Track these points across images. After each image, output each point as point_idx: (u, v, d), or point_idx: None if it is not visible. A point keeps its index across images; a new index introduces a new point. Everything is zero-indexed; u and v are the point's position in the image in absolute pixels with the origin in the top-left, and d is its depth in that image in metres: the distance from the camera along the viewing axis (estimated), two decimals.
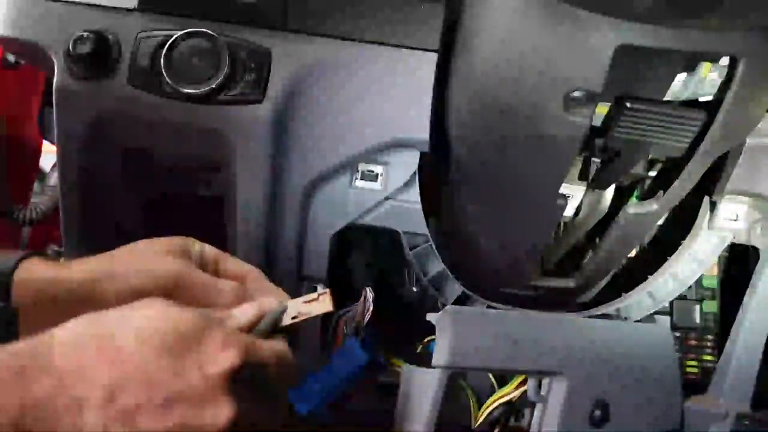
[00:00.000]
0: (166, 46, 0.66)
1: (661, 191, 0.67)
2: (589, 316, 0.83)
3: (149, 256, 0.55)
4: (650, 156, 0.67)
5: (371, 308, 0.71)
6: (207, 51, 0.66)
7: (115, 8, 0.68)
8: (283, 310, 0.54)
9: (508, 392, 0.75)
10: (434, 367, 0.67)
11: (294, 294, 0.67)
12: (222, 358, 0.43)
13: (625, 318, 0.86)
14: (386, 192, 0.77)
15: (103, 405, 0.40)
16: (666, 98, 0.60)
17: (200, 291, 0.54)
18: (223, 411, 0.43)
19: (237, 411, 0.43)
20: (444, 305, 0.81)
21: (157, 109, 0.68)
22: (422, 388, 0.69)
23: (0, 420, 0.38)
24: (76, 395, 0.40)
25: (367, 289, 0.74)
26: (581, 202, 0.81)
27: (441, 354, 0.66)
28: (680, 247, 0.83)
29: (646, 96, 0.59)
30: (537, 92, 0.57)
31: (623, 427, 0.73)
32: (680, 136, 0.60)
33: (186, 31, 0.66)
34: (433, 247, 0.80)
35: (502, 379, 0.76)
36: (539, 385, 0.72)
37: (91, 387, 0.40)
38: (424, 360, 0.70)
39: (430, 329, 0.71)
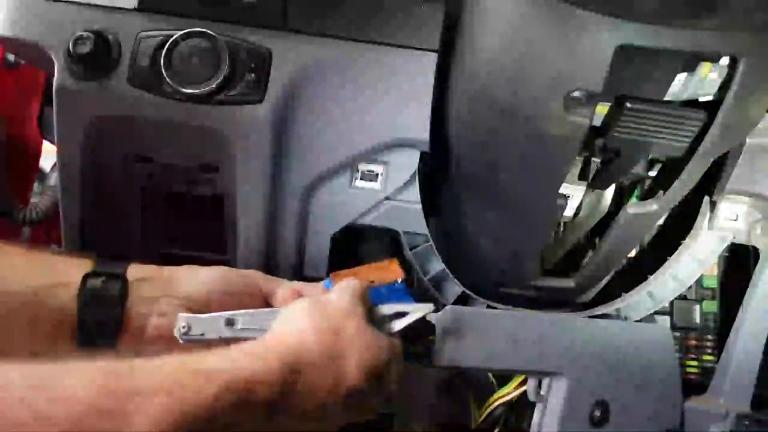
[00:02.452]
0: (166, 46, 0.66)
1: (661, 191, 0.67)
2: (589, 316, 0.83)
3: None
4: (650, 156, 0.67)
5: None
6: (207, 51, 0.66)
7: (115, 8, 0.68)
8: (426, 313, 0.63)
9: (508, 392, 0.75)
10: (434, 367, 0.67)
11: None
12: (398, 380, 0.57)
13: (625, 318, 0.86)
14: (386, 192, 0.77)
15: (323, 403, 0.51)
16: (666, 98, 0.60)
17: (268, 286, 0.64)
18: (380, 405, 0.57)
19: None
20: (444, 305, 0.80)
21: (157, 109, 0.68)
22: (422, 388, 0.69)
23: (255, 422, 0.46)
24: (313, 397, 0.50)
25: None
26: (581, 202, 0.81)
27: (441, 354, 0.66)
28: (680, 247, 0.83)
29: (646, 96, 0.59)
30: (537, 92, 0.57)
31: (623, 427, 0.73)
32: (680, 136, 0.60)
33: (186, 31, 0.66)
34: (433, 247, 0.80)
35: (502, 379, 0.76)
36: (539, 385, 0.72)
37: (321, 392, 0.51)
38: (424, 360, 0.70)
39: (430, 329, 0.71)
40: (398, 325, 0.60)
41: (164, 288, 0.59)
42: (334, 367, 0.51)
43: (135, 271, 0.59)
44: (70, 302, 0.55)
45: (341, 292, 0.57)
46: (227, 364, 0.46)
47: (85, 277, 0.56)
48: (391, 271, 0.69)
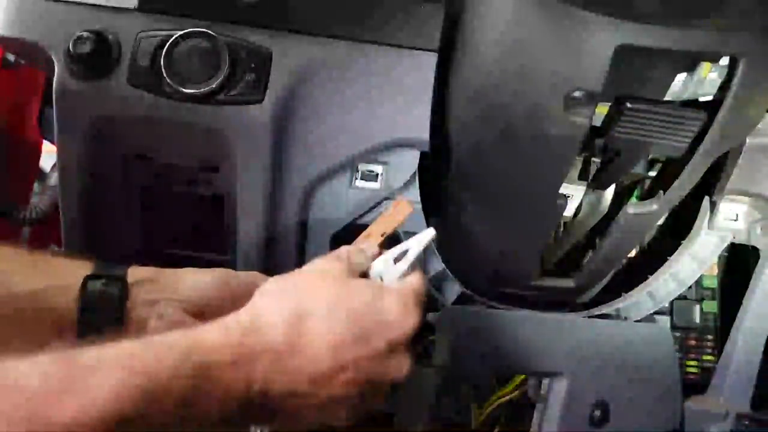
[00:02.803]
0: (166, 46, 0.66)
1: (661, 191, 0.67)
2: (589, 316, 0.83)
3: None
4: (650, 156, 0.67)
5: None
6: (207, 51, 0.66)
7: (115, 8, 0.68)
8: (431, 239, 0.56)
9: (508, 392, 0.75)
10: (434, 367, 0.67)
11: None
12: (402, 326, 0.50)
13: (625, 318, 0.86)
14: (386, 192, 0.77)
15: (308, 376, 0.47)
16: (666, 98, 0.60)
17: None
18: (403, 364, 0.50)
19: (413, 359, 0.51)
20: (444, 305, 0.81)
21: (157, 109, 0.68)
22: (422, 388, 0.69)
23: (230, 404, 0.44)
24: (288, 368, 0.46)
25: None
26: (581, 202, 0.81)
27: (441, 354, 0.67)
28: (680, 247, 0.83)
29: (646, 96, 0.59)
30: (537, 92, 0.57)
31: (623, 427, 0.73)
32: (680, 136, 0.60)
33: (186, 31, 0.66)
34: (434, 247, 0.80)
35: (502, 379, 0.76)
36: (539, 385, 0.72)
37: (297, 360, 0.47)
38: (424, 360, 0.70)
39: (430, 329, 0.71)
40: (402, 266, 0.54)
41: (164, 290, 0.58)
42: (301, 327, 0.47)
43: (135, 272, 0.58)
44: (70, 305, 0.55)
45: (314, 261, 0.54)
46: (188, 334, 0.44)
47: (86, 279, 0.56)
48: (400, 212, 0.62)
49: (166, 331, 0.52)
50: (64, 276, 0.56)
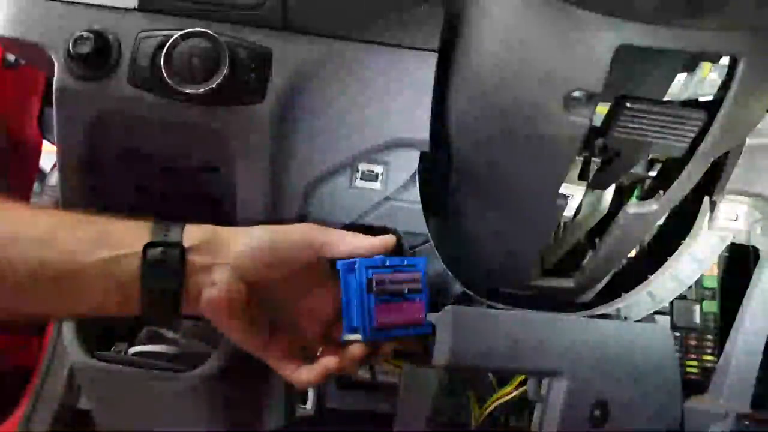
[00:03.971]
0: (166, 46, 0.65)
1: (661, 191, 0.67)
2: (589, 316, 0.83)
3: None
4: (650, 156, 0.67)
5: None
6: (207, 51, 0.66)
7: (115, 8, 0.68)
8: None
9: (508, 392, 0.75)
10: (434, 367, 0.67)
11: None
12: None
13: (625, 318, 0.86)
14: (386, 192, 0.77)
15: None
16: (666, 98, 0.60)
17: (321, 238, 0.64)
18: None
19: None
20: (444, 305, 0.80)
21: (157, 109, 0.68)
22: (422, 388, 0.69)
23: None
24: None
25: None
26: (581, 202, 0.81)
27: (441, 354, 0.66)
28: (680, 247, 0.83)
29: (646, 96, 0.59)
30: (537, 92, 0.57)
31: (623, 427, 0.73)
32: (680, 136, 0.60)
33: (186, 31, 0.66)
34: (433, 247, 0.80)
35: (502, 379, 0.76)
36: (539, 385, 0.72)
37: None
38: (424, 360, 0.70)
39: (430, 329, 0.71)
40: None
41: (217, 254, 0.59)
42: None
43: (192, 233, 0.59)
44: (134, 273, 0.57)
45: None
46: None
47: (145, 247, 0.57)
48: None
49: (221, 300, 0.57)
50: (126, 244, 0.57)
